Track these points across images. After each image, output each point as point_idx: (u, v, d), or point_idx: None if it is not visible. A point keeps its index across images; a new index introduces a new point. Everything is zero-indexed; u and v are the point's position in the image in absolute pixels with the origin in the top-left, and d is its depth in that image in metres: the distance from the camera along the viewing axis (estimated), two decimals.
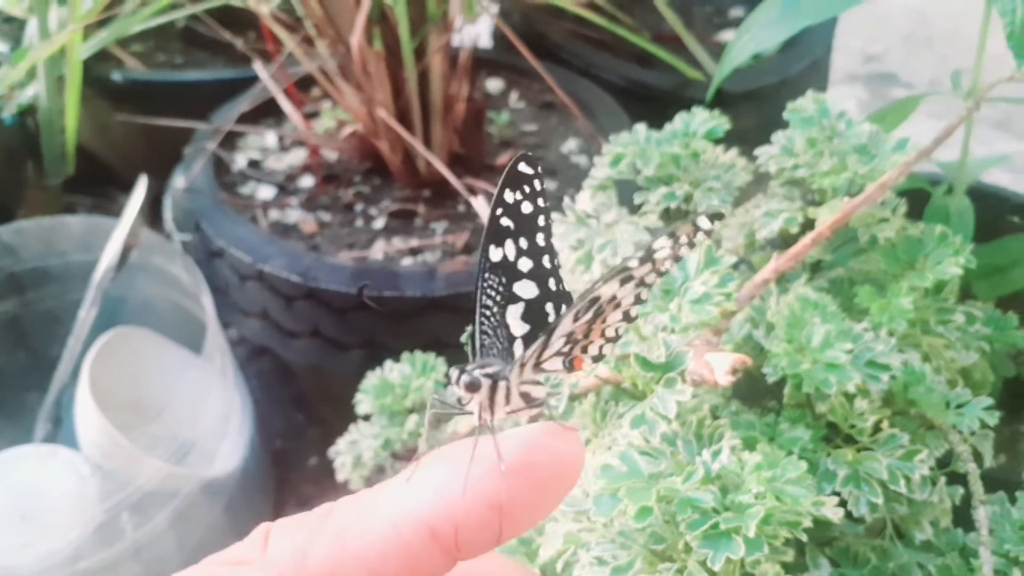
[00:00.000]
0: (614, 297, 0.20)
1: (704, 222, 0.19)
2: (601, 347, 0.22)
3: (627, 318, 0.21)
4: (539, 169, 0.22)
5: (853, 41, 1.22)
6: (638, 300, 0.21)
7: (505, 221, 0.22)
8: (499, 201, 0.22)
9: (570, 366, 0.21)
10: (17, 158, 0.87)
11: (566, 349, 0.21)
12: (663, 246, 0.19)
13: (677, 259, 0.20)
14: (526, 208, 0.22)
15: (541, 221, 0.22)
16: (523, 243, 0.22)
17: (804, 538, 0.31)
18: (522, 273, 0.22)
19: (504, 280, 0.22)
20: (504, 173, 0.22)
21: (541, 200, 0.22)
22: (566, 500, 0.35)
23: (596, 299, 0.20)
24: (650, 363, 0.32)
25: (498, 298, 0.22)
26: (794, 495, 0.30)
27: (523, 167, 0.22)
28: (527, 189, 0.22)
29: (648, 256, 0.19)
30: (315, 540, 0.18)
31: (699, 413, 0.33)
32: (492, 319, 0.22)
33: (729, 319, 0.36)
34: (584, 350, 0.21)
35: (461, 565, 0.18)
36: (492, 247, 0.22)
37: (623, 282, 0.20)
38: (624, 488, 0.30)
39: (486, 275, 0.22)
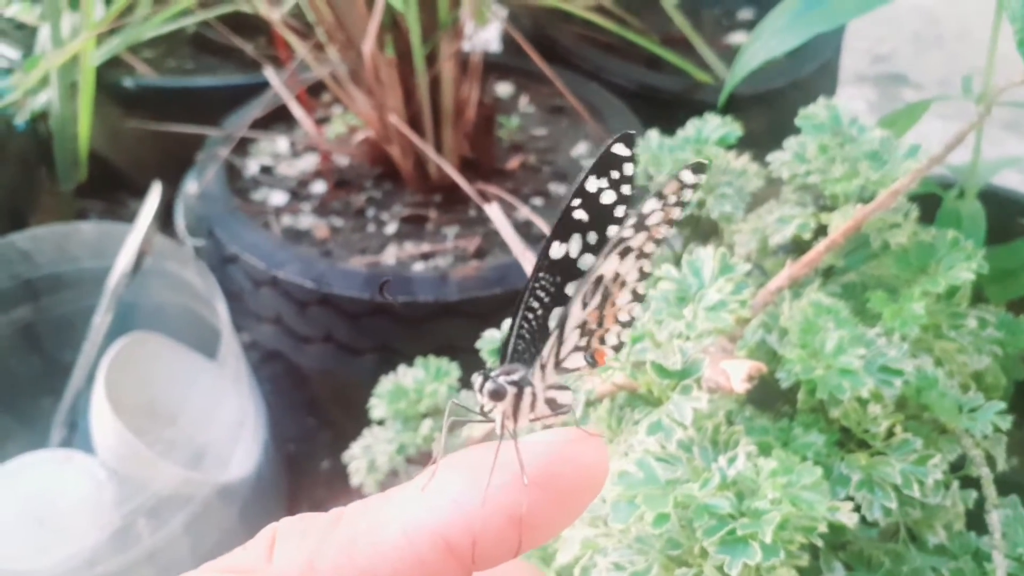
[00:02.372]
0: (617, 275, 0.19)
1: (688, 176, 0.19)
2: (618, 334, 0.21)
3: (636, 297, 0.20)
4: (635, 151, 0.20)
5: (862, 42, 1.22)
6: (642, 275, 0.20)
7: (579, 214, 0.20)
8: (580, 190, 0.20)
9: (592, 361, 0.21)
10: (30, 164, 0.88)
11: (583, 343, 0.20)
12: (653, 209, 0.19)
13: (671, 223, 0.19)
14: (607, 198, 0.20)
15: (619, 212, 0.20)
16: (591, 238, 0.20)
17: (820, 543, 0.31)
18: (580, 272, 0.20)
19: (559, 280, 0.20)
20: (598, 156, 0.20)
21: (627, 188, 0.20)
22: None
23: (600, 279, 0.19)
24: (666, 370, 0.32)
25: (546, 300, 0.20)
26: (810, 501, 0.30)
27: (619, 148, 0.20)
28: (615, 175, 0.20)
29: (641, 223, 0.19)
30: (323, 550, 0.17)
31: (715, 419, 0.34)
32: (533, 323, 0.20)
33: (744, 326, 0.36)
34: (601, 340, 0.21)
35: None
36: (556, 243, 0.20)
37: (622, 255, 0.19)
38: (641, 495, 0.30)
39: (540, 274, 0.20)
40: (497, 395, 0.19)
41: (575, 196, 0.20)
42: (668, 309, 0.34)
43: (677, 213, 0.19)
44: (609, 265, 0.19)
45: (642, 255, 0.19)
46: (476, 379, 0.19)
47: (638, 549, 0.31)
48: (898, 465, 0.37)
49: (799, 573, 0.33)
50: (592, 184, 0.20)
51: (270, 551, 0.17)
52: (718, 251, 0.35)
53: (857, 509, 0.35)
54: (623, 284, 0.20)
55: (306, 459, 0.78)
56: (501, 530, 0.17)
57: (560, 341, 0.20)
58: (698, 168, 0.19)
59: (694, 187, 0.19)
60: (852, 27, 0.94)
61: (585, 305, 0.19)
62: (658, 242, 0.19)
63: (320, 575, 0.17)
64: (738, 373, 0.31)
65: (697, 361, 0.32)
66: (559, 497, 0.17)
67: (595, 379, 0.36)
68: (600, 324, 0.20)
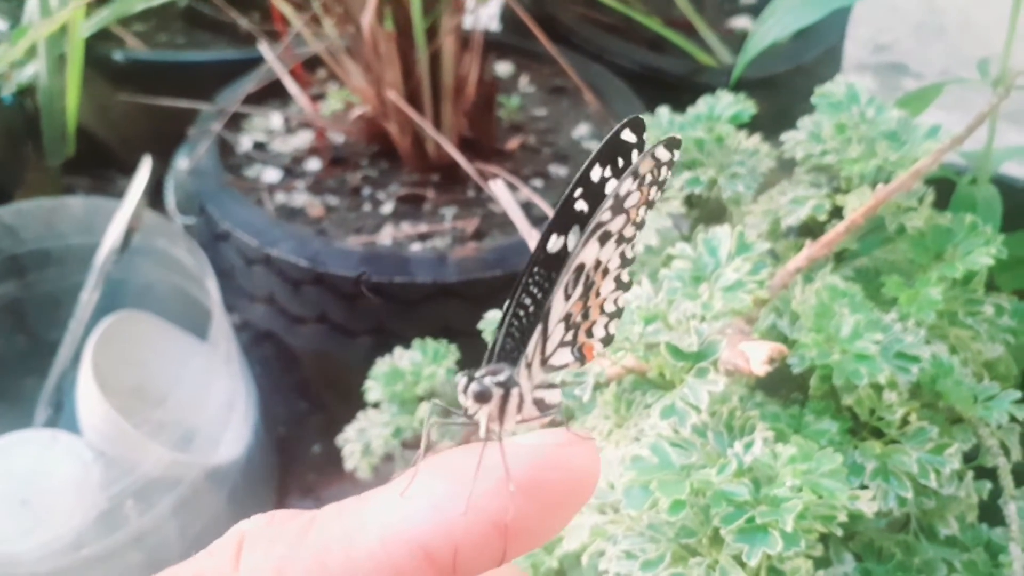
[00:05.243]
0: (599, 262, 0.18)
1: (662, 153, 0.18)
2: (606, 325, 0.20)
3: (620, 285, 0.19)
4: (644, 138, 0.19)
5: (863, 30, 1.21)
6: (625, 261, 0.19)
7: (580, 204, 0.19)
8: (582, 179, 0.19)
9: (580, 356, 0.19)
10: (16, 139, 0.86)
11: (569, 337, 0.19)
12: (630, 190, 0.18)
13: (650, 204, 0.18)
14: (612, 188, 0.19)
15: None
16: None
17: (839, 532, 0.30)
18: None
19: (554, 275, 0.19)
20: (603, 142, 0.19)
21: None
22: None
23: (581, 267, 0.18)
24: (682, 352, 0.31)
25: (539, 296, 0.19)
26: (830, 489, 0.29)
27: (627, 135, 0.19)
28: (621, 163, 0.19)
29: (618, 205, 0.18)
30: (293, 557, 0.16)
31: (729, 404, 0.32)
32: (524, 320, 0.19)
33: (762, 307, 0.35)
34: (589, 333, 0.20)
35: None
36: (554, 236, 0.19)
37: (602, 241, 0.18)
38: (656, 480, 0.29)
39: (535, 269, 0.19)
40: (482, 397, 0.18)
41: (577, 185, 0.19)
42: (683, 289, 0.33)
43: (655, 193, 0.18)
44: (589, 252, 0.18)
45: (622, 239, 0.18)
46: (460, 380, 0.18)
47: (650, 537, 0.30)
48: (914, 454, 0.36)
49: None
50: (596, 173, 0.19)
51: (236, 557, 0.16)
52: (735, 229, 0.34)
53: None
54: (605, 272, 0.19)
55: (297, 443, 0.76)
56: (484, 538, 0.16)
57: (545, 336, 0.19)
58: (672, 143, 0.18)
59: (670, 165, 0.18)
60: (854, 15, 0.93)
61: (568, 296, 0.18)
62: (638, 225, 0.18)
63: None
64: (758, 355, 0.30)
65: (714, 342, 0.30)
66: (547, 504, 0.16)
67: (604, 361, 0.35)
68: (585, 316, 0.19)
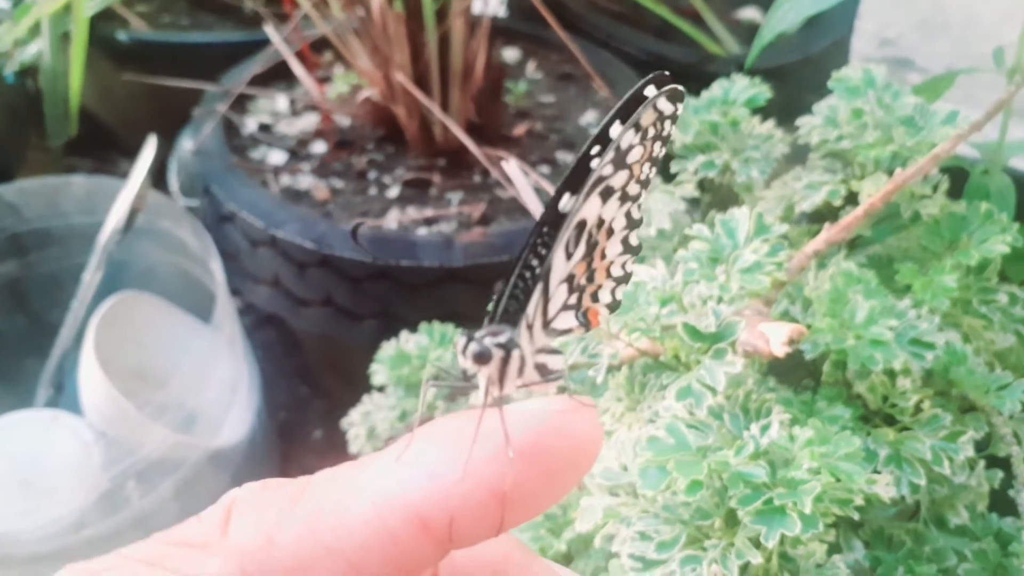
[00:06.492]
0: (602, 220, 0.18)
1: (665, 105, 0.17)
2: (613, 291, 0.19)
3: (628, 248, 0.19)
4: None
5: (869, 24, 1.20)
6: (631, 222, 0.18)
7: (596, 163, 0.18)
8: (600, 136, 0.18)
9: (585, 321, 0.19)
10: (18, 118, 0.85)
11: (573, 300, 0.18)
12: (631, 143, 0.17)
13: (653, 161, 0.18)
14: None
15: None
16: None
17: (856, 516, 0.30)
18: None
19: None
20: (625, 98, 0.18)
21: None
22: (602, 473, 0.34)
23: (582, 225, 0.17)
24: (699, 332, 0.31)
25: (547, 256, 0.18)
26: (848, 472, 0.29)
27: (650, 92, 0.18)
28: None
29: (620, 159, 0.17)
30: (285, 523, 0.15)
31: (744, 387, 0.32)
32: (529, 282, 0.18)
33: (780, 289, 0.34)
34: (594, 298, 0.19)
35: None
36: (567, 195, 0.18)
37: (604, 197, 0.17)
38: (673, 461, 0.28)
39: (544, 228, 0.18)
40: (482, 358, 0.17)
41: (595, 143, 0.18)
42: (700, 270, 0.33)
43: (659, 149, 0.18)
44: (590, 208, 0.17)
45: (627, 197, 0.18)
46: (459, 340, 0.17)
47: (665, 519, 0.30)
48: (928, 441, 0.35)
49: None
50: (615, 130, 0.18)
51: (226, 523, 0.16)
52: (753, 211, 0.33)
53: None
54: (610, 232, 0.18)
55: (298, 428, 0.76)
56: (482, 507, 0.15)
57: (546, 297, 0.18)
58: (675, 96, 0.17)
59: (673, 118, 0.17)
60: (860, 9, 0.92)
61: (569, 256, 0.18)
62: (643, 183, 0.18)
63: (280, 551, 0.15)
64: (778, 336, 0.30)
65: (733, 323, 0.30)
66: (547, 471, 0.16)
67: (619, 343, 0.34)
68: (591, 279, 0.19)
